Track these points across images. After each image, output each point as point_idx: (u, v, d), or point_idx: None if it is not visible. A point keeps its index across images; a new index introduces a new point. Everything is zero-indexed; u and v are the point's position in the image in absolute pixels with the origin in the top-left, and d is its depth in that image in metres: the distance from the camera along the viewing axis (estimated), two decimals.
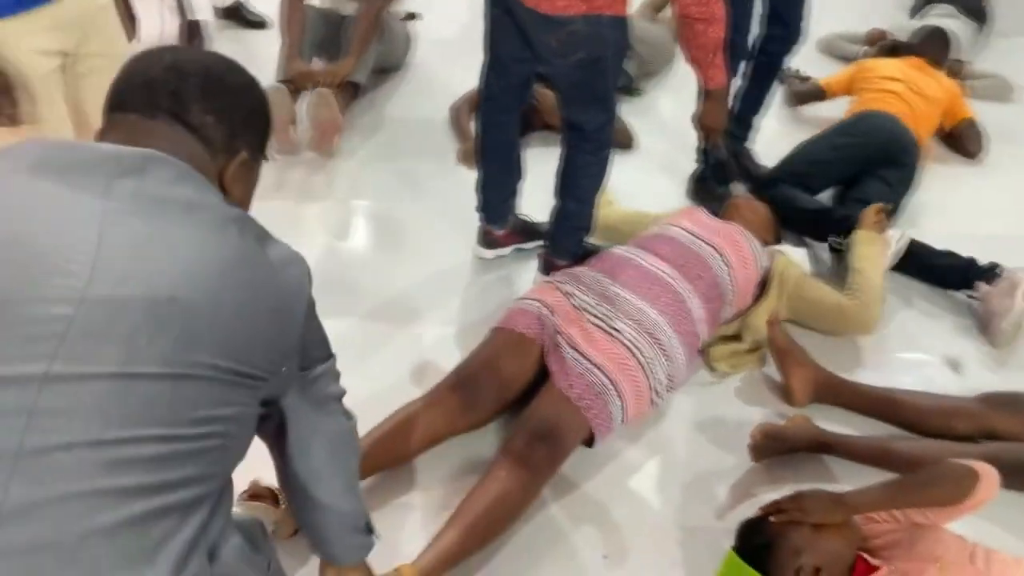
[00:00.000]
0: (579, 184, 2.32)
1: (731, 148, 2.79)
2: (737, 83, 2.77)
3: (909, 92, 2.91)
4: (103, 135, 1.00)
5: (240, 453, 1.05)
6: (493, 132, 2.38)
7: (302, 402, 1.19)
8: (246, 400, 0.98)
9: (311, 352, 1.17)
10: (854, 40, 3.80)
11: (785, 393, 2.11)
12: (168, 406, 0.87)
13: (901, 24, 3.78)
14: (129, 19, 2.22)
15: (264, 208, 2.70)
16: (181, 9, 2.91)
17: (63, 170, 0.90)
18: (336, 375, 1.28)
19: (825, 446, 1.95)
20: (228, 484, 1.05)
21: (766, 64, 2.77)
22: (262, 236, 1.02)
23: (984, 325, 2.33)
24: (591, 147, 2.25)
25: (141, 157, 0.93)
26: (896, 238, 2.44)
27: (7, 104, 1.79)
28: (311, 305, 1.11)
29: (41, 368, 0.81)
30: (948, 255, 2.46)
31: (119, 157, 0.92)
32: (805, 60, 3.55)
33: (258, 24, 3.76)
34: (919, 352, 2.30)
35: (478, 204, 2.50)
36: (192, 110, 1.01)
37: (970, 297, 2.42)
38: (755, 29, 2.71)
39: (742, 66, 2.75)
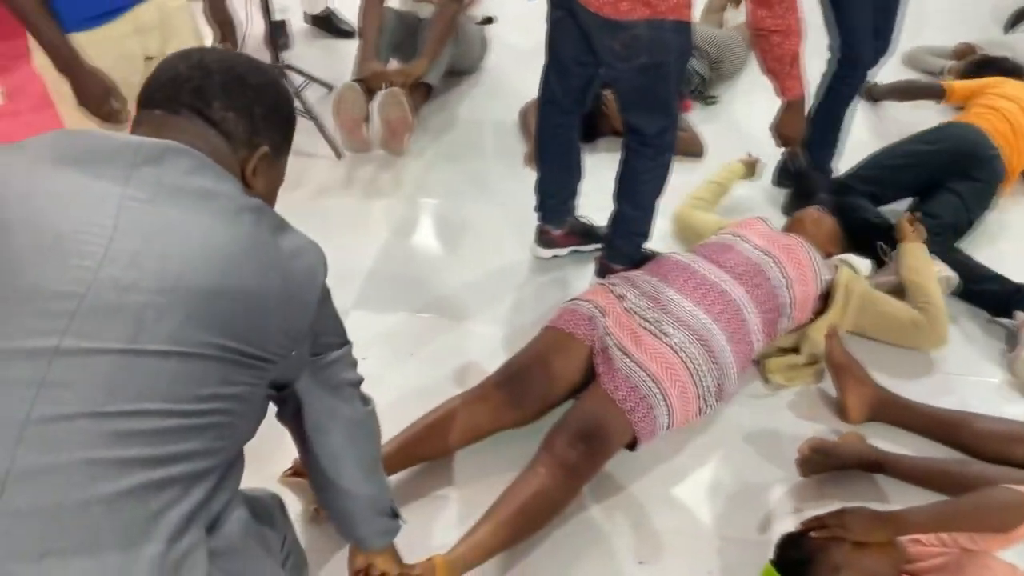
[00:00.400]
0: (637, 189, 2.31)
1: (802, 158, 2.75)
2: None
3: (1019, 112, 2.73)
4: (133, 129, 1.05)
5: (248, 431, 1.08)
6: (552, 133, 2.39)
7: (316, 387, 1.22)
8: (252, 380, 1.01)
9: (323, 339, 1.20)
10: (941, 54, 3.66)
11: (840, 409, 2.06)
12: (172, 382, 0.90)
13: (993, 38, 3.63)
14: (227, 24, 2.29)
15: (331, 203, 2.85)
16: (267, 9, 3.01)
17: (85, 159, 0.94)
18: (352, 362, 1.30)
19: (877, 465, 1.89)
20: (237, 460, 1.09)
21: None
22: (278, 226, 1.04)
23: (1012, 355, 2.24)
24: (651, 152, 2.24)
25: (160, 148, 0.97)
26: (943, 275, 2.33)
27: (115, 101, 1.91)
28: (324, 293, 1.13)
29: (53, 342, 0.86)
30: (998, 279, 2.36)
31: (139, 147, 0.97)
32: (889, 73, 3.45)
33: (347, 34, 3.82)
34: (980, 374, 2.21)
35: (536, 203, 2.51)
36: (214, 106, 1.04)
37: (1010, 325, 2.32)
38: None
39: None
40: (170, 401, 0.90)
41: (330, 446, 1.28)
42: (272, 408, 1.26)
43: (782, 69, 2.07)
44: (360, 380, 1.32)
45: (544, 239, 2.55)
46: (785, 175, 2.81)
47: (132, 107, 1.97)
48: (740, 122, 3.26)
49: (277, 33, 3.59)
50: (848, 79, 2.61)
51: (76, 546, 0.85)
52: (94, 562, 0.85)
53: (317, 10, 3.81)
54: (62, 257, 0.88)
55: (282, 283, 1.01)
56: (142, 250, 0.91)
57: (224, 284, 0.94)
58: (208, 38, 2.33)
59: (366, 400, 1.34)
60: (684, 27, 2.01)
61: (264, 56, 3.10)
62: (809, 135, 2.56)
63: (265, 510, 1.26)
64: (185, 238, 0.93)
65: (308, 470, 1.34)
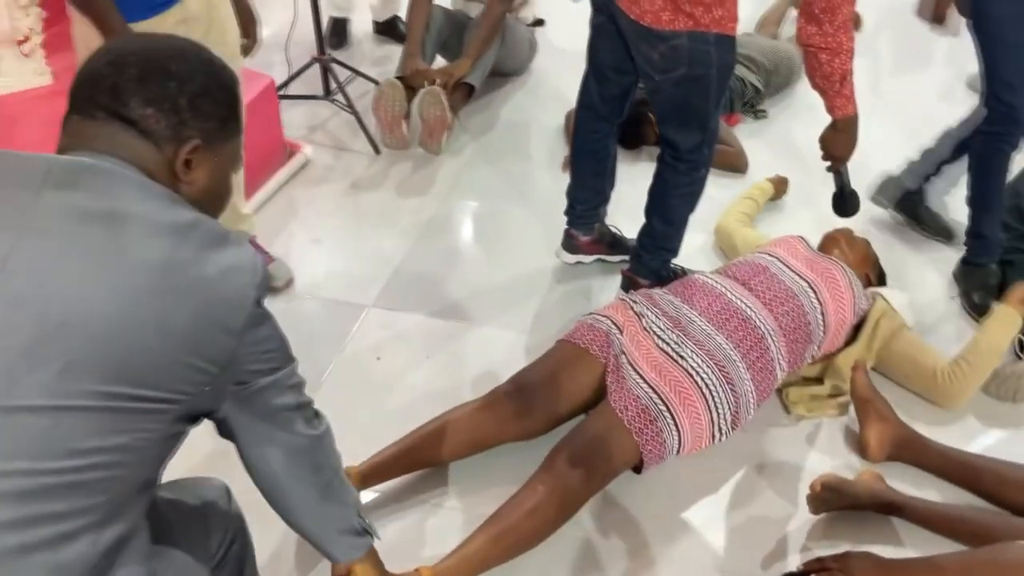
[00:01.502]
0: (668, 204, 2.26)
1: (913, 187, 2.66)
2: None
3: None
4: (59, 138, 0.99)
5: (143, 477, 0.99)
6: (588, 139, 2.36)
7: (244, 414, 1.11)
8: (149, 426, 0.94)
9: (249, 366, 1.06)
10: None
11: (860, 446, 1.98)
12: (42, 439, 0.85)
13: None
14: (248, 19, 2.28)
15: (364, 198, 2.85)
16: (315, 4, 3.01)
17: None
18: (291, 384, 1.15)
19: (894, 507, 1.81)
20: (130, 509, 0.98)
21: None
22: (211, 242, 0.97)
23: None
24: (684, 167, 2.18)
25: (74, 168, 0.92)
26: None
27: None
28: (255, 317, 1.02)
29: None
30: None
31: (50, 170, 0.92)
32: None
33: None
34: (1011, 423, 2.11)
35: (566, 207, 2.48)
36: (131, 104, 0.98)
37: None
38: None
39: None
40: (34, 459, 0.85)
41: (272, 473, 1.18)
42: None
43: (830, 87, 1.99)
44: (303, 402, 1.19)
45: (570, 244, 2.52)
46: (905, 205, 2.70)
47: None
48: (787, 139, 3.16)
49: (336, 30, 3.63)
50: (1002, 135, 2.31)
51: None
52: None
53: (384, 17, 3.80)
54: None
55: (199, 310, 0.94)
56: (26, 293, 0.85)
57: (120, 322, 0.88)
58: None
59: (311, 422, 1.21)
60: (727, 41, 1.96)
61: (311, 50, 3.11)
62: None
63: (194, 516, 1.21)
64: (80, 275, 0.88)
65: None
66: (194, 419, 1.05)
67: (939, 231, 2.68)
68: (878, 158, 2.73)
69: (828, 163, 2.19)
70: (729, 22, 1.93)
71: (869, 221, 2.68)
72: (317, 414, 1.23)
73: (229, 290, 0.97)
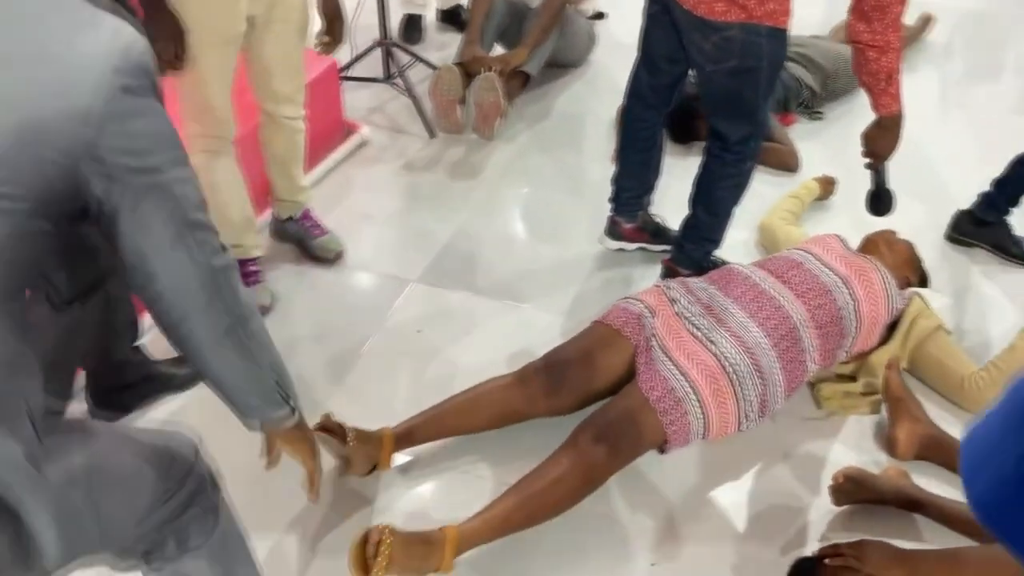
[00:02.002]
0: (714, 195, 2.28)
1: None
2: None
3: None
4: None
5: (15, 291, 0.91)
6: (635, 128, 2.40)
7: (134, 226, 0.97)
8: (27, 219, 0.85)
9: (126, 159, 0.92)
10: None
11: (889, 443, 1.98)
12: None
13: None
14: (336, 18, 2.30)
15: (416, 179, 2.94)
16: (381, 3, 3.11)
17: None
18: (188, 194, 1.01)
19: (917, 504, 1.81)
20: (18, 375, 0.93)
21: None
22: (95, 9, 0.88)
23: None
24: (731, 158, 2.21)
25: None
26: None
27: (179, 49, 1.90)
28: (115, 93, 0.87)
29: None
30: None
31: None
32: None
33: None
34: None
35: (611, 194, 2.52)
36: None
37: None
38: None
39: None
40: None
41: (161, 298, 1.05)
42: None
43: (876, 85, 2.00)
44: (198, 221, 1.03)
45: (613, 231, 2.56)
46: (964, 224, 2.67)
47: (214, 58, 1.99)
48: (841, 142, 3.13)
49: (412, 25, 3.72)
50: None
51: None
52: None
53: (448, 6, 3.89)
54: None
55: (33, 76, 0.82)
56: None
57: None
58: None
59: (208, 247, 1.05)
60: (779, 34, 1.98)
61: (376, 34, 3.21)
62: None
63: (151, 452, 1.15)
64: None
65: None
66: (67, 219, 0.94)
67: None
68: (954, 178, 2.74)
69: (868, 160, 2.19)
70: (781, 15, 1.95)
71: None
72: (223, 248, 1.09)
73: (75, 56, 0.85)
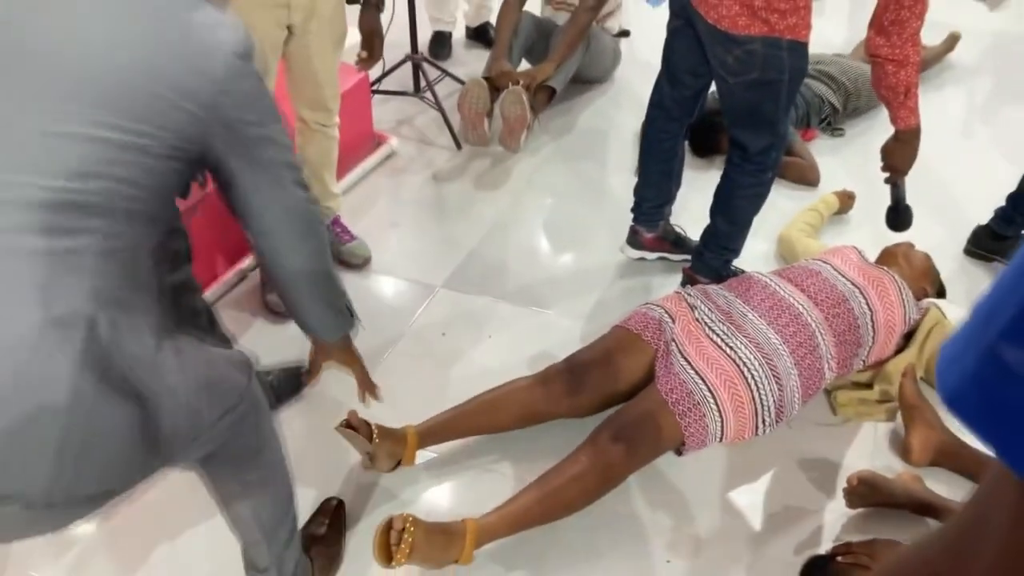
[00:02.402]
0: (733, 204, 2.33)
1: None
2: None
3: None
4: None
5: (152, 218, 1.11)
6: (657, 139, 2.46)
7: (248, 168, 1.22)
8: (141, 159, 1.05)
9: (243, 115, 1.17)
10: None
11: (904, 449, 2.01)
12: (49, 160, 0.99)
13: None
14: (375, 35, 2.42)
15: (443, 189, 3.02)
16: (412, 6, 3.20)
17: None
18: (281, 144, 1.26)
19: (930, 508, 1.84)
20: (142, 249, 1.11)
21: None
22: (197, 3, 1.11)
23: None
24: (752, 168, 2.26)
25: None
26: None
27: None
28: (239, 68, 1.14)
29: None
30: None
31: None
32: None
33: None
34: None
35: (633, 204, 2.58)
36: None
37: None
38: None
39: None
40: (48, 177, 0.98)
41: (272, 232, 1.28)
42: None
43: (895, 99, 2.04)
44: (294, 163, 1.29)
45: (634, 240, 2.62)
46: (982, 238, 2.71)
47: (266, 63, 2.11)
48: (861, 158, 3.19)
49: (440, 42, 3.82)
50: None
51: None
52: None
53: (476, 23, 3.99)
54: None
55: (179, 51, 1.07)
56: (57, 36, 1.02)
57: (112, 59, 1.02)
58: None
59: (302, 185, 1.31)
60: (800, 47, 2.03)
61: (406, 49, 3.30)
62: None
63: (219, 371, 1.26)
64: (88, 21, 1.03)
65: (260, 264, 1.40)
66: (193, 166, 1.17)
67: None
68: (975, 194, 2.76)
69: (887, 174, 2.24)
70: (802, 29, 2.00)
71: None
72: (308, 185, 1.33)
73: (209, 39, 1.11)
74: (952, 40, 3.78)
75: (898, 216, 2.33)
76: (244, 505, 1.42)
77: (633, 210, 2.59)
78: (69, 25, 1.02)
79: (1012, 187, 2.61)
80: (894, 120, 2.10)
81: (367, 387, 1.76)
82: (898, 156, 2.19)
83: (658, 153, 2.48)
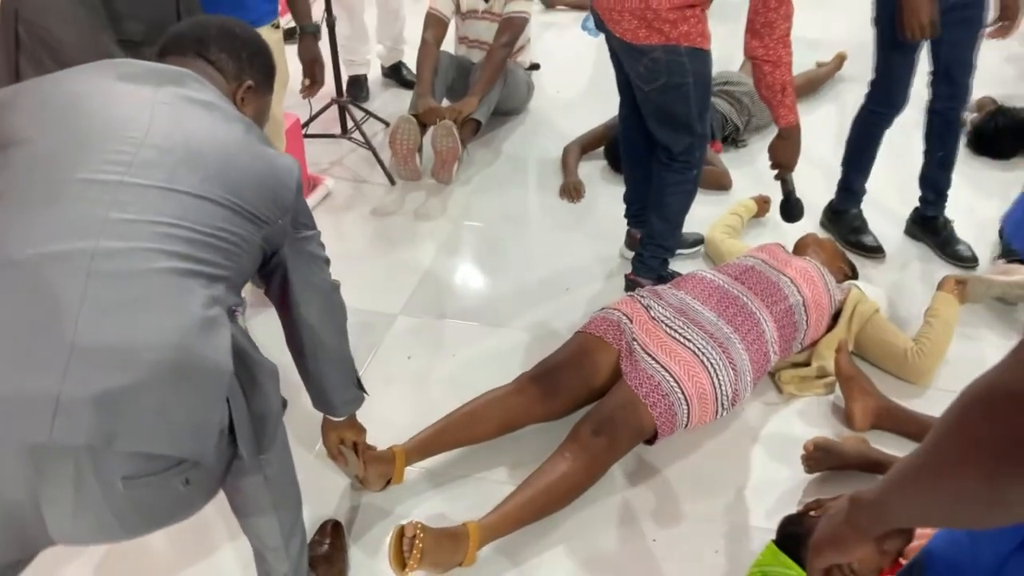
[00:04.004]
0: (664, 201, 2.53)
1: (926, 220, 2.93)
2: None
3: None
4: None
5: (248, 267, 1.40)
6: (630, 148, 2.69)
7: (295, 254, 1.51)
8: (250, 229, 1.35)
9: (300, 218, 1.50)
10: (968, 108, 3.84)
11: (847, 417, 2.22)
12: (196, 213, 1.26)
13: (1014, 94, 3.81)
14: (315, 62, 2.60)
15: (383, 223, 3.13)
16: (336, 59, 3.32)
17: (133, 77, 1.35)
18: (322, 245, 1.59)
19: (878, 465, 2.03)
20: (239, 291, 1.40)
21: (941, 124, 2.75)
22: (264, 138, 1.44)
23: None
24: (678, 166, 2.47)
25: (178, 72, 1.39)
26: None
27: None
28: (299, 186, 1.46)
29: (117, 177, 1.23)
30: None
31: (164, 71, 1.39)
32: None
33: (413, 84, 4.10)
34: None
35: (625, 209, 2.83)
36: (211, 49, 1.48)
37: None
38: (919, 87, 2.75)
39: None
40: (195, 223, 1.26)
41: (309, 307, 1.57)
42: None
43: (773, 97, 2.28)
44: (328, 259, 1.61)
45: (630, 241, 2.82)
46: (919, 227, 2.97)
47: None
48: (764, 167, 3.46)
49: (357, 85, 3.93)
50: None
51: (140, 299, 1.17)
52: (152, 310, 1.18)
53: (390, 63, 4.14)
54: (120, 130, 1.27)
55: (269, 169, 1.39)
56: (171, 131, 1.30)
57: (229, 160, 1.33)
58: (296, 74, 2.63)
59: (334, 279, 1.64)
60: (700, 53, 2.26)
61: (330, 94, 3.40)
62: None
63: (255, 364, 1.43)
64: (199, 128, 1.33)
65: (290, 339, 1.63)
66: (270, 256, 1.47)
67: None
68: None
69: (776, 171, 2.48)
70: (697, 37, 2.23)
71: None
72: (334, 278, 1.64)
73: (284, 163, 1.44)
74: (839, 59, 4.17)
75: (791, 207, 2.57)
76: (264, 497, 1.48)
77: (625, 215, 2.82)
78: (214, 142, 1.34)
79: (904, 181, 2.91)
80: (776, 119, 2.35)
81: (365, 453, 1.94)
82: (782, 152, 2.44)
83: (635, 159, 2.70)
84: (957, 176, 2.87)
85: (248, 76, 1.50)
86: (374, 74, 4.13)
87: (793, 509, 1.97)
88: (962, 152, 3.44)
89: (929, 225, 2.94)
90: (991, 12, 2.61)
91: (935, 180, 2.87)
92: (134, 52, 1.82)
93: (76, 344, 1.09)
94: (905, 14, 2.39)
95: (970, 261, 2.83)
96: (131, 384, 1.11)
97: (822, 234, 2.91)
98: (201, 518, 1.41)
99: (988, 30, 2.65)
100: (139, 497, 1.18)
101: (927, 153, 2.84)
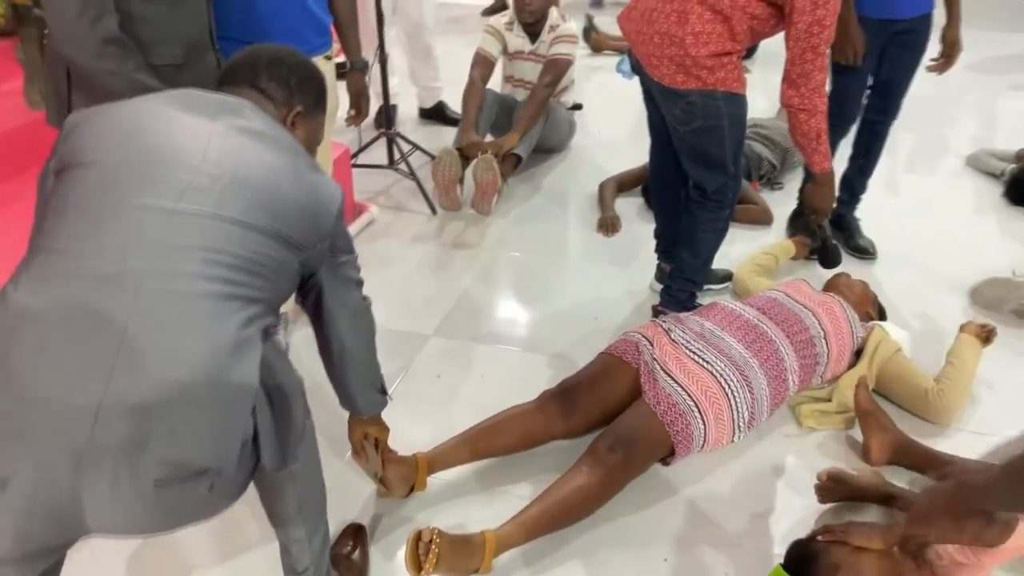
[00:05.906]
0: (696, 237, 2.60)
1: (838, 218, 3.08)
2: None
3: None
4: None
5: (285, 290, 1.48)
6: (658, 183, 2.80)
7: (331, 277, 1.60)
8: (289, 255, 1.42)
9: (338, 243, 1.57)
10: (1003, 157, 3.87)
11: (863, 451, 2.25)
12: (240, 240, 1.34)
13: None
14: (362, 95, 2.76)
15: (423, 250, 3.27)
16: (386, 92, 3.49)
17: (193, 106, 1.43)
18: (358, 268, 1.67)
19: (892, 499, 2.06)
20: (276, 311, 1.48)
21: (869, 135, 3.06)
22: (312, 165, 1.50)
23: None
24: (712, 205, 2.54)
25: (237, 103, 1.47)
26: None
27: None
28: (340, 212, 1.53)
29: (171, 204, 1.31)
30: None
31: (225, 101, 1.47)
32: (952, 174, 3.71)
33: (456, 122, 4.20)
34: (1001, 430, 2.36)
35: (655, 245, 2.93)
36: (262, 78, 1.56)
37: None
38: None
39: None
40: (238, 250, 1.34)
41: (340, 323, 1.67)
42: None
43: (808, 144, 2.35)
44: (362, 280, 1.69)
45: (660, 275, 2.91)
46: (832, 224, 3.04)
47: None
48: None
49: (391, 112, 4.11)
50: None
51: (179, 320, 1.25)
52: (189, 332, 1.26)
53: (429, 104, 4.33)
54: (179, 157, 1.36)
55: (312, 196, 1.46)
56: (223, 160, 1.37)
57: (274, 188, 1.39)
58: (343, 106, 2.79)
59: (366, 298, 1.72)
60: (735, 97, 2.34)
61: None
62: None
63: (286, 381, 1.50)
64: (250, 157, 1.40)
65: (322, 349, 1.73)
66: (307, 278, 1.56)
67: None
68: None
69: (811, 215, 2.54)
70: (733, 82, 2.32)
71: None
72: (366, 296, 1.73)
73: (327, 191, 1.51)
74: None
75: (827, 254, 2.63)
76: (291, 496, 1.58)
77: (656, 249, 2.91)
78: (262, 169, 1.40)
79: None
80: (810, 164, 2.41)
81: (386, 454, 2.04)
82: (817, 198, 2.50)
83: (664, 195, 2.81)
84: (996, 228, 2.94)
85: (298, 102, 1.58)
86: (412, 113, 4.32)
87: (803, 536, 2.01)
88: (999, 201, 3.50)
89: (838, 223, 3.20)
90: (936, 46, 2.91)
91: (852, 183, 3.18)
92: (176, 75, 1.94)
93: (118, 360, 1.19)
94: (841, 42, 2.69)
95: (868, 253, 3.20)
96: (163, 400, 1.20)
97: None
98: (233, 513, 1.51)
99: (930, 64, 2.98)
100: (167, 498, 1.26)
101: (852, 158, 3.15)
